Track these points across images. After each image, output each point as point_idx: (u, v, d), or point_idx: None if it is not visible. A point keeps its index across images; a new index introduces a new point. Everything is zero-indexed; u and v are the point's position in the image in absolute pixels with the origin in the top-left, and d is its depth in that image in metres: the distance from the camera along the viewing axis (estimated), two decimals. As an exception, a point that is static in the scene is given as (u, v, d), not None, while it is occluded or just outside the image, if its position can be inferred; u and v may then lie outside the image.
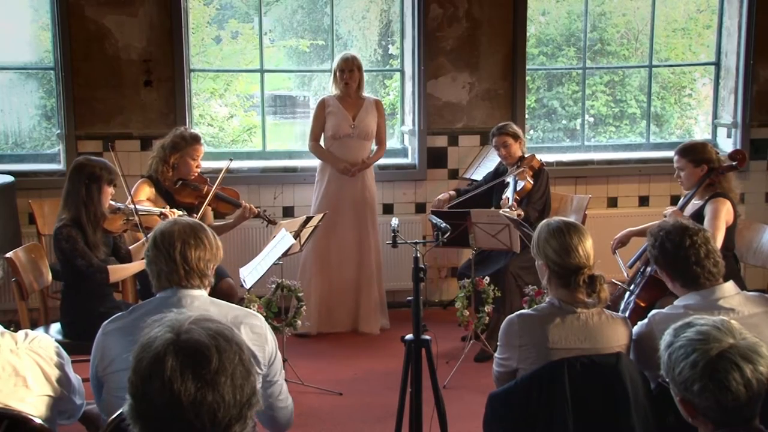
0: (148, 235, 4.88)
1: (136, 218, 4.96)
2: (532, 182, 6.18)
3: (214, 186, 5.63)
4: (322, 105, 6.52)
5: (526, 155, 6.34)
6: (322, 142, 6.56)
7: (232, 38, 8.07)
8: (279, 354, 3.09)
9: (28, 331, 2.96)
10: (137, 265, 5.01)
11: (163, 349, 1.84)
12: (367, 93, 6.63)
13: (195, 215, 5.30)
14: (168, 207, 5.29)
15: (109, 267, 4.79)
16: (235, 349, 1.88)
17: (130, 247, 5.17)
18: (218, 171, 5.75)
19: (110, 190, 4.86)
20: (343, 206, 6.46)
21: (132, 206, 4.98)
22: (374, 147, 6.66)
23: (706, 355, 2.27)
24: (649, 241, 3.57)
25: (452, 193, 6.57)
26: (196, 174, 5.70)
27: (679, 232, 3.46)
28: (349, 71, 6.41)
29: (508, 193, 6.14)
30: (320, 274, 6.52)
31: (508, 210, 5.85)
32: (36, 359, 2.84)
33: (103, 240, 4.88)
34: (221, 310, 2.97)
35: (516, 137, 6.30)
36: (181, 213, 5.19)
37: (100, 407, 3.05)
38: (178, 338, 1.86)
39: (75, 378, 3.04)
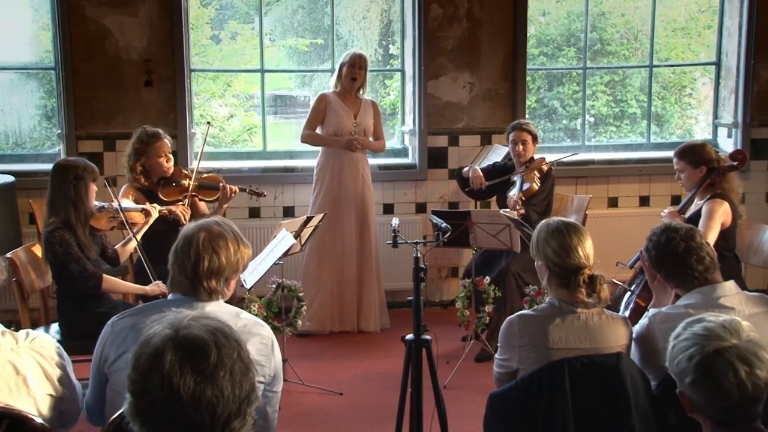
0: (134, 233, 4.93)
1: (122, 216, 4.95)
2: (539, 184, 6.18)
3: (192, 176, 5.57)
4: (324, 99, 6.49)
5: (535, 157, 6.34)
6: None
7: (232, 38, 8.05)
8: (281, 366, 3.08)
9: (30, 330, 2.94)
10: (134, 288, 4.97)
11: (162, 345, 1.85)
12: (366, 94, 6.63)
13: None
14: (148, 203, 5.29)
15: (105, 276, 4.75)
16: (233, 345, 1.89)
17: (116, 246, 5.15)
18: (216, 171, 5.72)
19: (94, 187, 4.85)
20: (343, 204, 6.44)
21: (115, 205, 4.98)
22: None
23: (703, 351, 2.27)
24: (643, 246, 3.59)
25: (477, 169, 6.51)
26: (171, 168, 5.60)
27: (659, 232, 3.47)
28: (359, 68, 6.41)
29: (515, 192, 6.14)
30: (325, 273, 6.51)
31: (508, 210, 5.84)
32: (37, 358, 2.82)
33: (92, 240, 4.88)
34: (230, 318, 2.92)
35: (535, 138, 6.31)
36: (161, 208, 5.24)
37: (89, 404, 3.04)
38: (176, 334, 1.87)
39: (76, 382, 3.02)
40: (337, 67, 6.57)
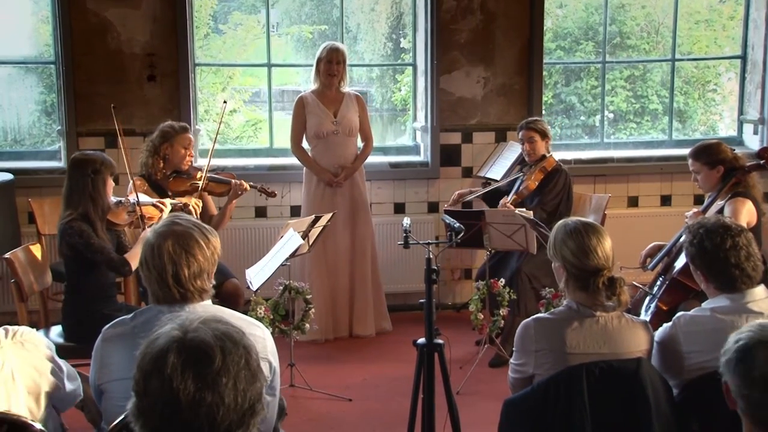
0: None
1: (139, 210, 4.90)
2: (536, 184, 6.09)
3: (206, 165, 5.62)
4: (301, 103, 6.34)
5: (548, 155, 6.21)
6: (305, 143, 6.42)
7: (234, 30, 8.01)
8: (278, 366, 3.00)
9: (8, 326, 2.86)
10: None
11: (167, 346, 1.83)
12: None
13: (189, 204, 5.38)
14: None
15: (128, 258, 4.69)
16: (241, 352, 1.86)
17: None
18: (221, 169, 5.68)
19: (111, 182, 4.80)
20: (333, 206, 6.22)
21: (132, 199, 4.93)
22: (360, 145, 6.52)
23: (751, 338, 2.18)
24: (687, 237, 3.46)
25: (465, 191, 6.53)
26: (189, 165, 5.65)
27: (720, 231, 3.35)
28: (336, 63, 6.25)
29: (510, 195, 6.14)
30: (320, 280, 6.33)
31: (524, 210, 5.76)
32: (23, 354, 2.78)
33: (109, 235, 4.82)
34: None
35: (543, 135, 6.21)
36: (173, 201, 5.20)
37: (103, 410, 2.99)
38: (184, 336, 1.85)
39: (64, 363, 2.97)
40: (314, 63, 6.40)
